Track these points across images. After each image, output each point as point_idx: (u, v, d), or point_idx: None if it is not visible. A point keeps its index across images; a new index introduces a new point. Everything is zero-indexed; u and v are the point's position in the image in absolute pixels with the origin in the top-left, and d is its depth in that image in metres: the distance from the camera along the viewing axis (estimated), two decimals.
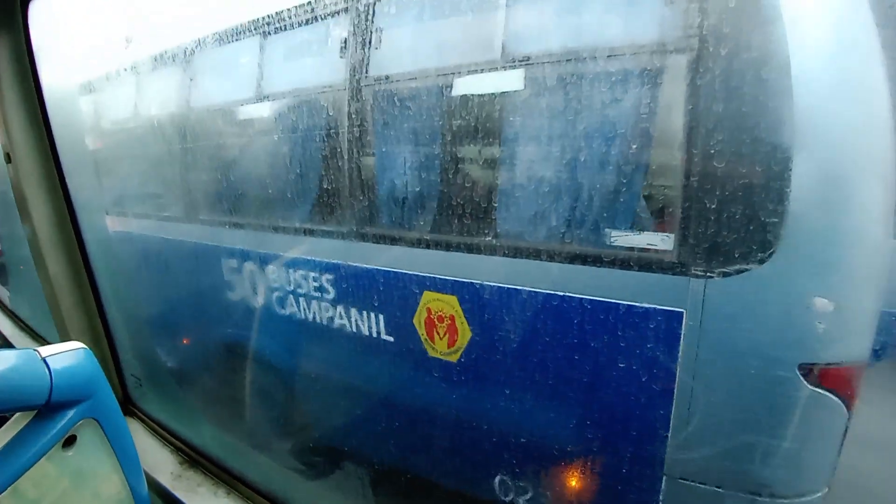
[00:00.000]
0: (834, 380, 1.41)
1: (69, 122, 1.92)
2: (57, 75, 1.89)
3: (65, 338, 1.98)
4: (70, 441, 0.83)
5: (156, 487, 1.56)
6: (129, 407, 2.08)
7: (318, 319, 2.34)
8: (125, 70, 3.23)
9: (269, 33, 2.48)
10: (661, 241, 1.52)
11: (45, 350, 0.80)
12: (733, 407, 1.47)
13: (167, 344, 3.34)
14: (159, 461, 1.73)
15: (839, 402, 1.42)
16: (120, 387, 2.12)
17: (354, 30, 2.11)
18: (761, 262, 1.38)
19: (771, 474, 1.48)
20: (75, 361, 0.86)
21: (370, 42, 2.06)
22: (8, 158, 1.79)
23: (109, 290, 2.15)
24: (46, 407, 0.78)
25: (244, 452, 2.35)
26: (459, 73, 1.88)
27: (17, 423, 0.76)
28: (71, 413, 0.83)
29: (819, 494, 1.53)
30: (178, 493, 1.55)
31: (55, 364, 0.80)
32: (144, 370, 2.30)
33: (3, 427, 0.76)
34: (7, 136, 1.75)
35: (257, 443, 2.77)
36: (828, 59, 1.36)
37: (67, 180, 1.92)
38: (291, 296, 2.43)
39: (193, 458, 1.73)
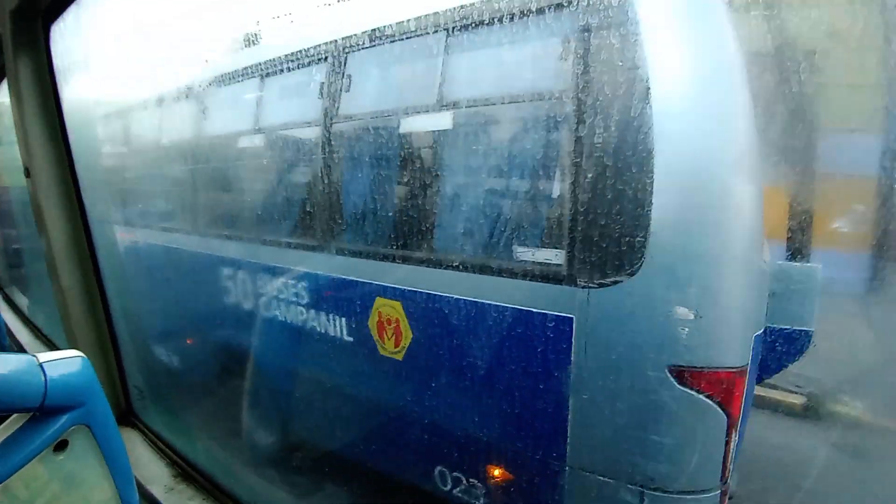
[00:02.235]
0: (704, 383, 1.56)
1: (87, 140, 1.99)
2: (77, 95, 1.96)
3: (73, 347, 2.03)
4: (62, 445, 0.84)
5: (148, 498, 1.58)
6: (129, 418, 2.11)
7: (305, 326, 2.56)
8: (137, 102, 3.49)
9: (266, 76, 2.84)
10: (554, 257, 1.77)
11: (43, 356, 0.82)
12: (618, 404, 1.64)
13: (168, 356, 3.44)
14: (154, 473, 1.75)
15: (713, 405, 1.57)
16: (123, 397, 2.15)
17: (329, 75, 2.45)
18: (630, 274, 1.59)
19: (654, 469, 1.63)
20: (72, 369, 0.86)
21: (342, 86, 2.40)
22: (27, 173, 1.86)
23: (118, 302, 2.20)
24: (40, 410, 0.80)
25: (236, 468, 2.38)
26: (402, 114, 2.22)
27: (12, 424, 0.79)
28: (64, 418, 0.84)
29: (711, 494, 1.65)
30: None
31: (51, 370, 0.81)
32: (147, 382, 2.33)
33: (0, 427, 0.79)
34: (27, 152, 1.81)
35: (244, 452, 2.87)
36: (685, 99, 1.58)
37: (83, 195, 1.98)
38: (288, 305, 2.63)
39: (187, 472, 1.75)
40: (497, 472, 2.05)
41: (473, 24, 1.94)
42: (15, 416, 0.80)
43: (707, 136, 1.56)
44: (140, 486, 1.53)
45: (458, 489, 2.15)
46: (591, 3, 1.66)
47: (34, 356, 0.82)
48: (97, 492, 0.95)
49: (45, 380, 0.79)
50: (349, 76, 2.40)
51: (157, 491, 1.63)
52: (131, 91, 3.62)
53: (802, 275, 1.77)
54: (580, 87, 1.68)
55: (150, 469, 1.77)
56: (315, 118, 2.50)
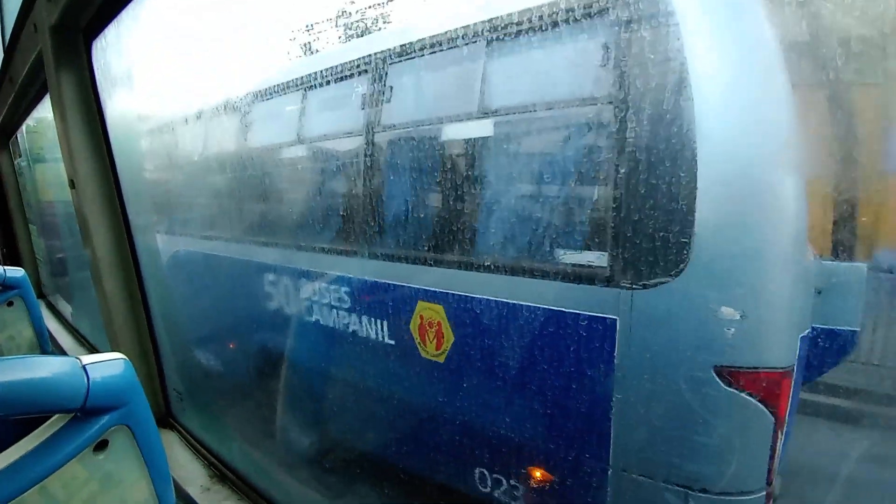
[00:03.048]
0: (750, 383, 1.56)
1: (130, 153, 2.06)
2: (120, 108, 2.04)
3: (116, 350, 2.08)
4: (102, 445, 0.87)
5: (184, 498, 1.62)
6: (169, 420, 2.16)
7: (347, 328, 2.62)
8: (176, 118, 3.63)
9: (308, 88, 2.92)
10: (597, 259, 1.78)
11: (86, 358, 0.84)
12: (662, 405, 1.64)
13: (208, 361, 3.53)
14: (191, 474, 1.79)
15: (760, 405, 1.57)
16: (163, 400, 2.21)
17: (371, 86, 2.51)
18: (675, 276, 1.60)
19: (699, 470, 1.63)
20: (114, 371, 0.88)
21: (383, 97, 2.47)
22: (72, 184, 1.93)
23: (160, 309, 2.26)
24: (82, 411, 0.82)
25: (270, 469, 2.41)
26: (446, 121, 2.26)
27: (54, 424, 0.82)
28: (105, 419, 0.86)
29: (756, 496, 1.64)
30: None
31: (94, 372, 0.83)
32: (186, 386, 2.39)
33: (42, 427, 0.81)
34: (71, 165, 1.88)
35: (280, 454, 2.91)
36: (730, 107, 1.58)
37: (127, 204, 2.05)
38: (327, 308, 2.70)
39: (223, 473, 1.78)
40: (539, 473, 2.05)
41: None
42: (56, 416, 0.83)
43: (750, 136, 1.56)
44: (177, 487, 1.57)
45: (499, 491, 2.16)
46: (629, 4, 1.68)
47: (77, 358, 0.84)
48: (135, 491, 0.97)
49: (88, 381, 0.82)
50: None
51: (193, 491, 1.67)
52: (176, 104, 3.75)
53: (848, 273, 1.76)
54: (620, 89, 1.69)
55: (188, 470, 1.81)
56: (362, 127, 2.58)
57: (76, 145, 1.86)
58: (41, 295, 5.35)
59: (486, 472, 2.19)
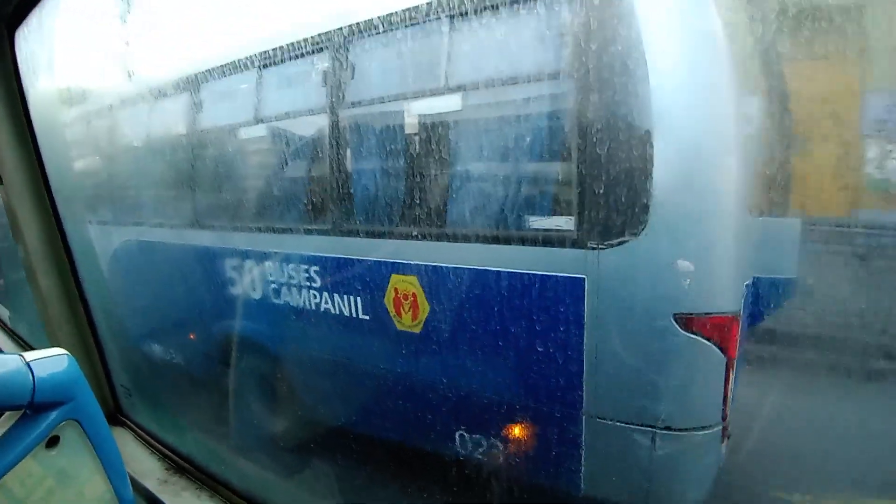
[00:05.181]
0: (704, 327, 1.73)
1: (56, 143, 1.98)
2: (45, 98, 1.95)
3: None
4: (53, 441, 0.87)
5: (143, 492, 1.61)
6: (118, 416, 2.12)
7: (307, 307, 2.67)
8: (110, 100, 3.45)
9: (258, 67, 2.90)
10: (565, 223, 1.91)
11: (28, 355, 0.83)
12: (629, 353, 1.80)
13: (162, 352, 3.44)
14: (147, 468, 1.77)
15: (713, 347, 1.75)
16: (110, 396, 2.16)
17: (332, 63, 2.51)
18: (636, 235, 1.75)
19: (662, 410, 1.79)
20: (58, 366, 0.88)
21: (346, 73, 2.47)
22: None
23: (99, 303, 2.19)
24: (30, 407, 0.81)
25: (226, 456, 2.41)
26: (412, 97, 2.32)
27: (4, 422, 0.81)
28: (53, 414, 0.85)
29: (712, 430, 1.84)
30: (164, 497, 1.60)
31: (38, 368, 0.83)
32: (134, 382, 2.34)
33: None
34: None
35: (237, 441, 2.89)
36: (681, 83, 1.74)
37: (56, 197, 1.97)
38: (282, 287, 2.74)
39: (179, 464, 1.77)
40: (519, 428, 2.18)
41: None
42: (7, 414, 0.82)
43: (699, 107, 1.74)
44: (134, 481, 1.56)
45: (481, 449, 2.26)
46: None
47: (21, 355, 0.84)
48: (91, 486, 0.97)
49: (33, 377, 0.82)
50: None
51: (150, 485, 1.65)
52: (106, 89, 3.57)
53: (784, 228, 1.98)
54: (583, 66, 1.81)
55: (143, 465, 1.79)
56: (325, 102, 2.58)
57: (2, 139, 1.77)
58: None
59: (466, 434, 2.28)
